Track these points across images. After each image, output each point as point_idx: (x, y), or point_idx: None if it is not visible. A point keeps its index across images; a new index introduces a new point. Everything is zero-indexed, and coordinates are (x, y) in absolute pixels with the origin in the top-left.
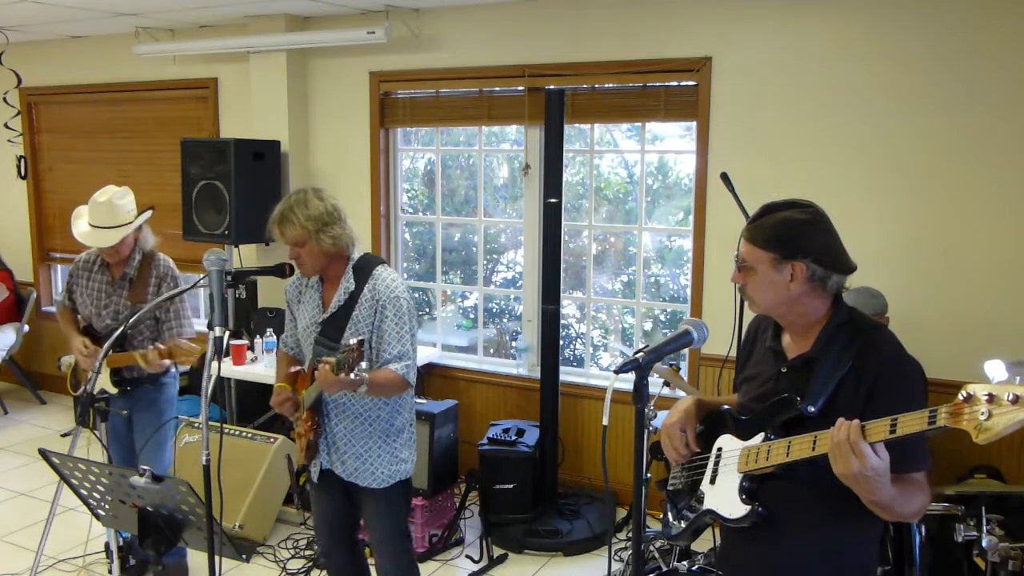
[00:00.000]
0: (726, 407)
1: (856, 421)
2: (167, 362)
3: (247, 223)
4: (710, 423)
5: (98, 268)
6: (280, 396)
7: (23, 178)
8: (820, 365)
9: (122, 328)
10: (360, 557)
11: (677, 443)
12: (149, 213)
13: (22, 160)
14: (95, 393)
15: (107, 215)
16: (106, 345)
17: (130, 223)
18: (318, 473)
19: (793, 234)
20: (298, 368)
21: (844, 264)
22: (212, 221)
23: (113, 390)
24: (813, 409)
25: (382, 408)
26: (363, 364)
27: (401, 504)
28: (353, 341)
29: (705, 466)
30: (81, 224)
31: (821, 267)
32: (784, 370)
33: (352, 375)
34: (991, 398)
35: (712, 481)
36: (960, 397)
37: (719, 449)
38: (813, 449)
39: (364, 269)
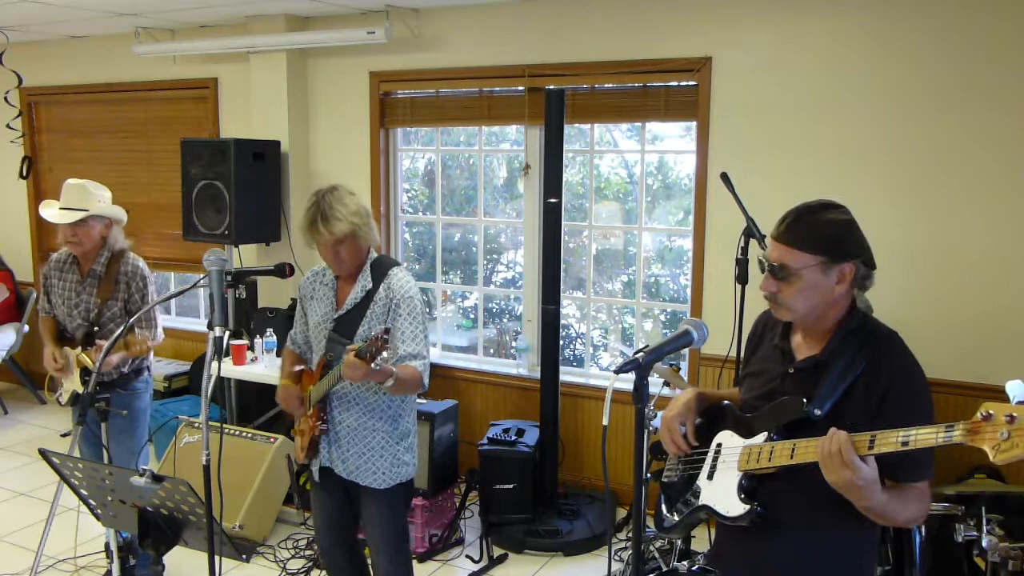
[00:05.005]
0: (727, 402)
1: (845, 434)
2: (116, 357)
3: (247, 223)
4: (710, 417)
5: (69, 267)
6: (287, 392)
7: (24, 178)
8: (830, 369)
9: (124, 327)
10: (360, 557)
11: (676, 437)
12: (120, 210)
13: (25, 160)
14: (93, 393)
15: (76, 197)
16: (108, 343)
17: (91, 211)
18: (318, 472)
19: (842, 236)
20: (302, 367)
21: (874, 262)
22: (212, 221)
23: (82, 390)
24: (820, 412)
25: (391, 403)
26: (385, 354)
27: (401, 505)
28: (379, 329)
29: (703, 460)
30: (50, 208)
31: (865, 267)
32: (792, 371)
33: (373, 365)
34: (1012, 419)
35: (710, 477)
36: (979, 416)
37: (718, 445)
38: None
39: (380, 269)
